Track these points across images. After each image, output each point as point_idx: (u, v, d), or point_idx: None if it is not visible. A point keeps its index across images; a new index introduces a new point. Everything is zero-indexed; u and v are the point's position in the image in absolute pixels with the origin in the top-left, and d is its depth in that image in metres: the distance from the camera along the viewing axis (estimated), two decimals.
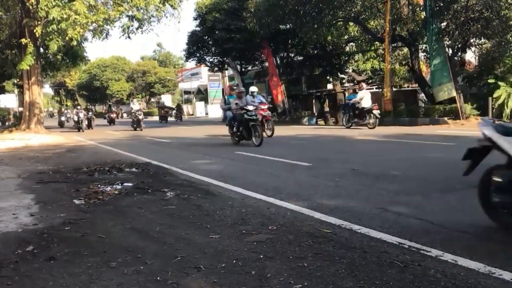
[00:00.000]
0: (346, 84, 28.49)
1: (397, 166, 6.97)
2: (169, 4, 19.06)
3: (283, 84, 27.69)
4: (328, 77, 28.12)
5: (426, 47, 20.78)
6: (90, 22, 16.64)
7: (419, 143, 10.60)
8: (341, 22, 23.22)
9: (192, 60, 33.81)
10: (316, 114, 25.26)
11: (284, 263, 2.96)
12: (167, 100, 48.79)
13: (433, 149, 9.30)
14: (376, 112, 16.43)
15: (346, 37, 25.79)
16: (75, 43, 16.99)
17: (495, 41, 18.35)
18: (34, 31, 16.65)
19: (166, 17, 19.84)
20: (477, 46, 20.27)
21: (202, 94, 50.90)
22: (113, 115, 32.65)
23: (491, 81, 18.07)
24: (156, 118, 38.12)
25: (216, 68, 33.95)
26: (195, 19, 30.34)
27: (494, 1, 16.27)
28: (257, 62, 30.84)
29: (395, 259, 2.97)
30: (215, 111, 30.89)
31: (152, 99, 65.70)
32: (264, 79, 32.02)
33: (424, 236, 3.47)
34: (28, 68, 18.36)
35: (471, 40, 19.11)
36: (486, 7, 16.77)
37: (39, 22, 16.79)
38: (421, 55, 21.70)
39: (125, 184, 6.30)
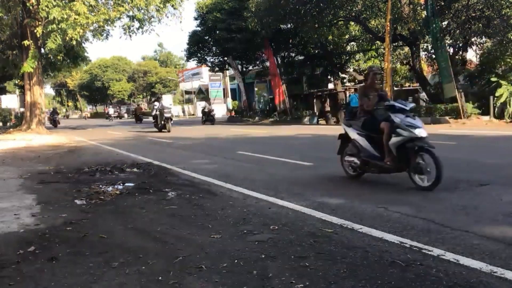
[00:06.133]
0: (347, 84, 28.46)
1: None
2: (170, 5, 19.06)
3: (284, 83, 27.68)
4: (329, 77, 28.12)
5: (427, 46, 20.76)
6: (91, 23, 16.65)
7: None
8: (342, 22, 23.24)
9: (193, 60, 33.79)
10: (317, 113, 25.23)
11: (286, 263, 2.96)
12: (168, 100, 48.66)
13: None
14: None
15: (347, 36, 25.80)
16: (74, 43, 17.01)
17: (496, 40, 18.32)
18: (35, 31, 16.68)
19: (167, 17, 19.84)
20: (478, 45, 20.23)
21: (203, 94, 50.90)
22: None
23: (493, 79, 18.05)
24: None
25: (217, 68, 33.93)
26: (196, 19, 30.33)
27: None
28: (258, 62, 30.83)
29: (397, 258, 2.97)
30: (216, 110, 30.91)
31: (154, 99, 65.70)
32: (265, 78, 31.99)
33: (426, 235, 3.47)
34: (31, 70, 18.39)
35: (472, 39, 19.09)
36: (487, 6, 16.76)
37: (39, 23, 16.81)
38: (422, 54, 21.66)
39: (126, 184, 6.30)
